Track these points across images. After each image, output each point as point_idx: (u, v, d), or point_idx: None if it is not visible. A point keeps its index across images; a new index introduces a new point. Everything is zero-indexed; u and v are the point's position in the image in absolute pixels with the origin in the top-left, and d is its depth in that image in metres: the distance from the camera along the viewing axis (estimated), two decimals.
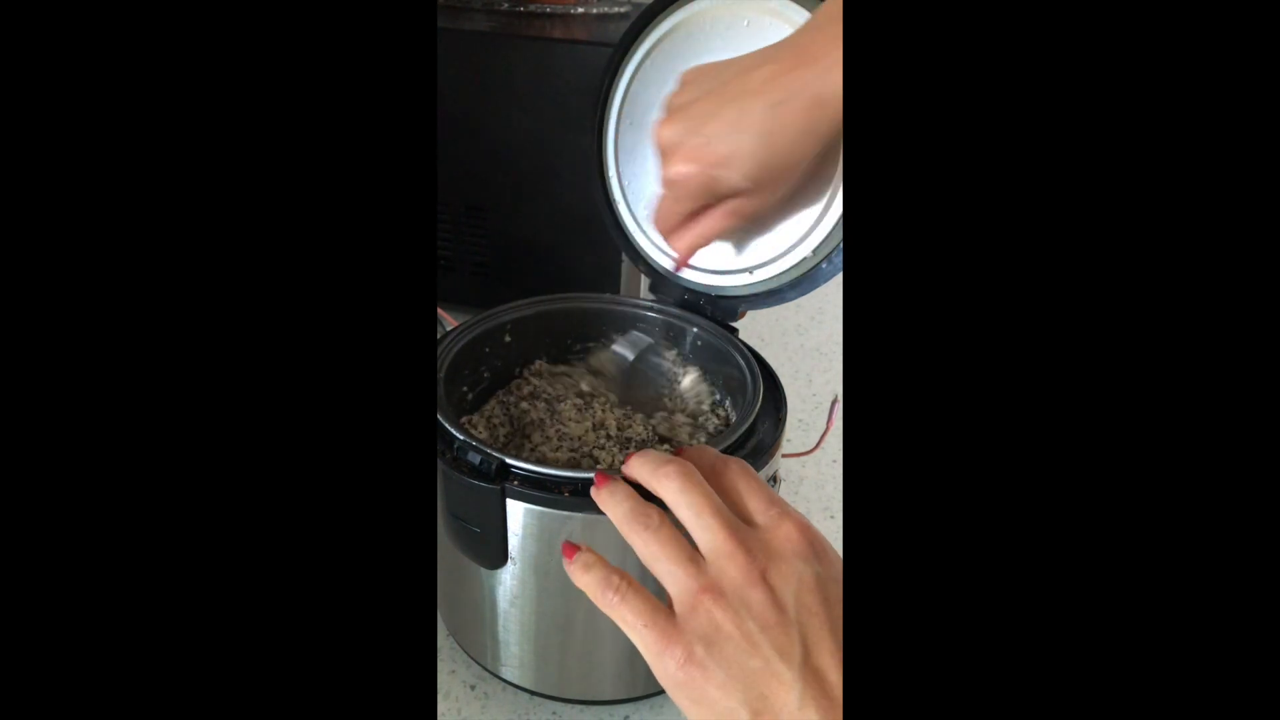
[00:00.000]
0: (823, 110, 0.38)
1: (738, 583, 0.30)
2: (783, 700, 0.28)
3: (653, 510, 0.33)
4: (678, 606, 0.31)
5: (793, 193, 0.45)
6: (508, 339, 0.55)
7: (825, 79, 0.37)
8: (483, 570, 0.43)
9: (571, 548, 0.34)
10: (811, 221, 0.49)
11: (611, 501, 0.34)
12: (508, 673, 0.47)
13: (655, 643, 0.30)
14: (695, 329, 0.55)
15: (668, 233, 0.47)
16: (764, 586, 0.30)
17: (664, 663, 0.30)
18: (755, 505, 0.33)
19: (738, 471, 0.35)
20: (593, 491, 0.35)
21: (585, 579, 0.33)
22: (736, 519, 0.33)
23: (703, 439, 0.52)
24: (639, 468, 0.35)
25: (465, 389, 0.54)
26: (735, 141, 0.40)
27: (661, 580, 0.32)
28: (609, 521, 0.34)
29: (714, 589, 0.30)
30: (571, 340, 0.58)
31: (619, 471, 0.37)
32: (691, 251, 0.47)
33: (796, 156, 0.40)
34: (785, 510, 0.33)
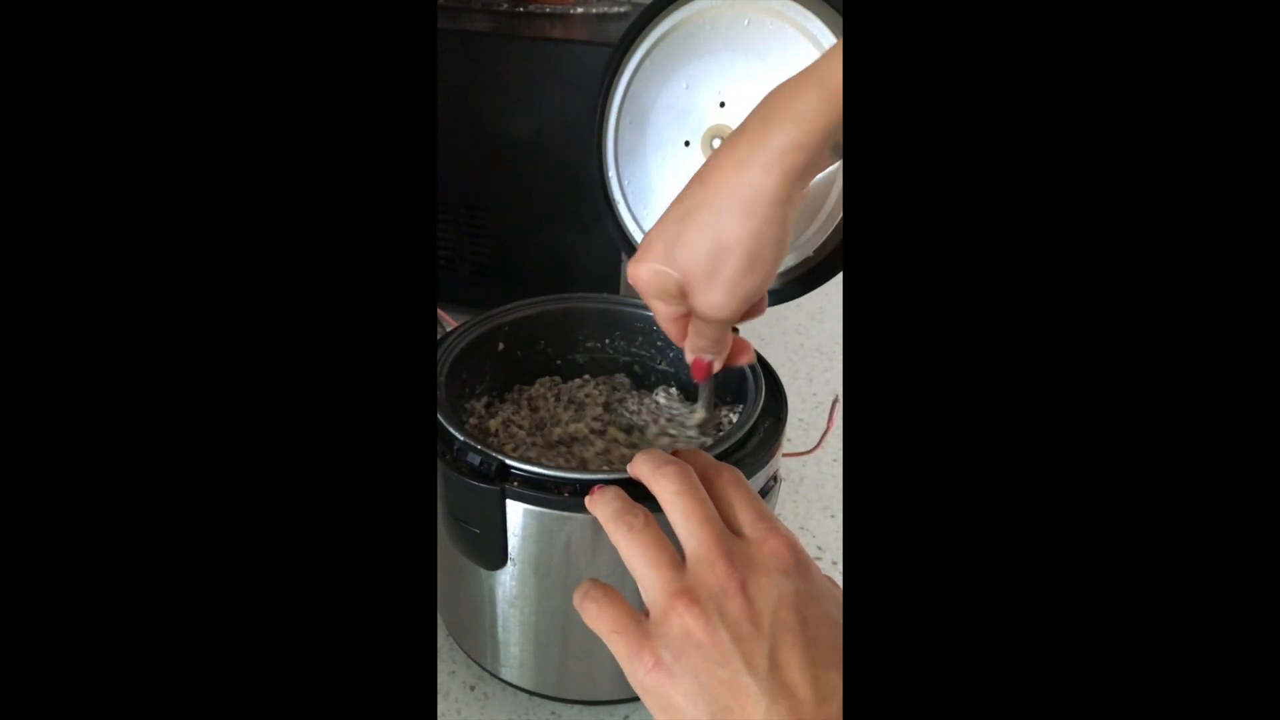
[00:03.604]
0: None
1: (715, 591, 0.30)
2: (749, 713, 0.28)
3: (639, 511, 0.33)
4: (652, 611, 0.31)
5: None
6: (501, 346, 0.55)
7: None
8: (482, 571, 0.43)
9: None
10: (814, 221, 0.49)
11: (601, 502, 0.34)
12: (507, 673, 0.47)
13: (626, 648, 0.30)
14: None
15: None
16: (742, 597, 0.30)
17: (634, 668, 0.30)
18: (746, 517, 0.33)
19: (731, 480, 0.35)
20: (586, 499, 0.36)
21: (574, 595, 0.33)
22: (725, 528, 0.32)
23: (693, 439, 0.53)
24: (641, 464, 0.35)
25: (465, 390, 0.54)
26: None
27: (639, 583, 0.32)
28: None
29: (689, 595, 0.30)
30: (572, 340, 0.58)
31: (625, 468, 0.37)
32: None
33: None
34: (774, 525, 0.33)
